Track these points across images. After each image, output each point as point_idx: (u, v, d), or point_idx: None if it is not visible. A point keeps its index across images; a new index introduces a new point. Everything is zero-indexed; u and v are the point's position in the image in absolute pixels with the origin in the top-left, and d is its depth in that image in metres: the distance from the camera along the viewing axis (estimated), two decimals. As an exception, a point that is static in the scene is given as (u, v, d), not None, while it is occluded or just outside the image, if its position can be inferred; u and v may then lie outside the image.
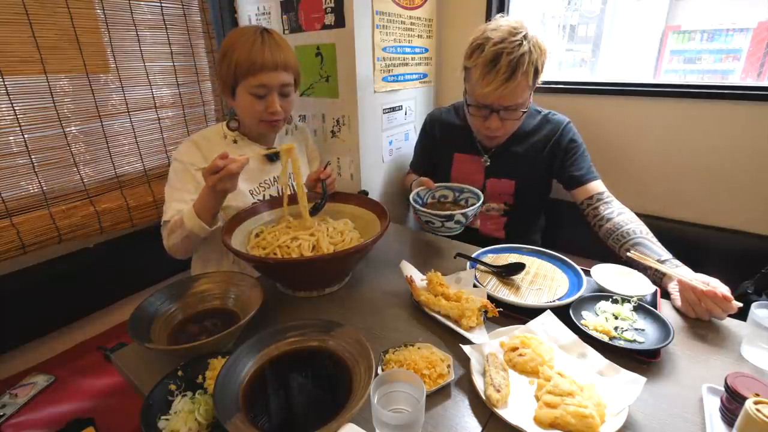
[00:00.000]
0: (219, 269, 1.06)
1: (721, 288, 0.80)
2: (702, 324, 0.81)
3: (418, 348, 0.71)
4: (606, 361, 0.67)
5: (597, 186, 1.17)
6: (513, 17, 1.09)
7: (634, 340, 0.73)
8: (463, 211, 1.01)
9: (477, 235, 1.36)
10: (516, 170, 1.26)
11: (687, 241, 1.38)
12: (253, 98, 1.01)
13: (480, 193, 1.12)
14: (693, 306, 0.82)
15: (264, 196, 1.13)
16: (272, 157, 1.15)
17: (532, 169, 1.25)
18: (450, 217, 1.01)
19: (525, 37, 1.04)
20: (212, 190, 0.89)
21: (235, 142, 1.11)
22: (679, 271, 0.87)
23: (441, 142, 1.38)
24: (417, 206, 1.08)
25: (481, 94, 1.09)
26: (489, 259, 1.02)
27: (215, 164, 0.86)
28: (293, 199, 1.11)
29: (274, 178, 1.16)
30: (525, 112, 1.14)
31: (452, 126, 1.36)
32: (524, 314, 0.81)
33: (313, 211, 1.04)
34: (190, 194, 1.02)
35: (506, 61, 1.02)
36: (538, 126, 1.26)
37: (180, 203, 1.01)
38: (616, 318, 0.79)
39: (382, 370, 0.67)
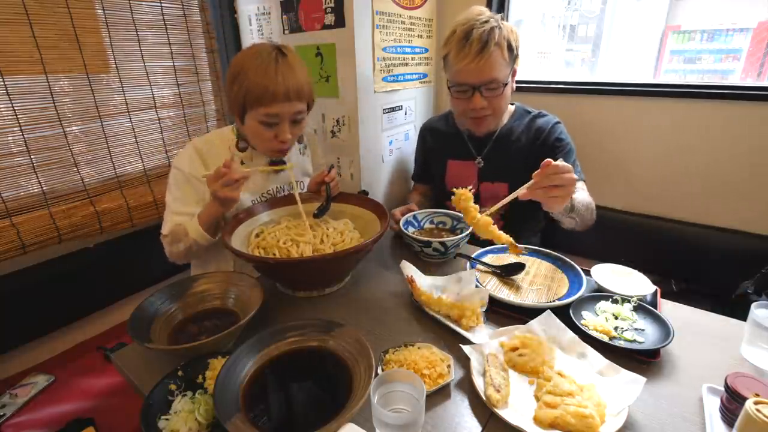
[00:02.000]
0: (219, 269, 1.05)
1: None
2: (702, 324, 0.81)
3: (418, 348, 0.71)
4: (606, 361, 0.67)
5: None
6: (477, 6, 1.14)
7: (634, 340, 0.73)
8: (442, 239, 1.00)
9: (474, 238, 1.35)
10: (508, 173, 1.23)
11: (687, 241, 1.38)
12: (262, 126, 0.96)
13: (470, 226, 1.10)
14: (541, 191, 0.81)
15: None
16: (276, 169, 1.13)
17: (524, 170, 1.19)
18: (428, 244, 1.01)
19: (490, 16, 1.10)
20: (215, 197, 0.89)
21: (242, 163, 1.07)
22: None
23: (434, 151, 1.38)
24: (402, 229, 1.07)
25: (458, 71, 1.11)
26: (489, 259, 1.02)
27: (219, 170, 0.86)
28: (294, 200, 1.11)
29: (276, 188, 1.15)
30: (506, 84, 1.13)
31: (443, 133, 1.35)
32: (524, 314, 0.81)
33: (318, 214, 1.03)
34: (189, 206, 1.00)
35: (477, 34, 1.06)
36: (527, 127, 1.24)
37: (179, 216, 1.00)
38: (616, 318, 0.79)
39: (382, 370, 0.67)
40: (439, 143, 1.36)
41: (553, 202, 0.85)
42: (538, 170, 0.82)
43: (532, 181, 0.84)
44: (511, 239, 0.88)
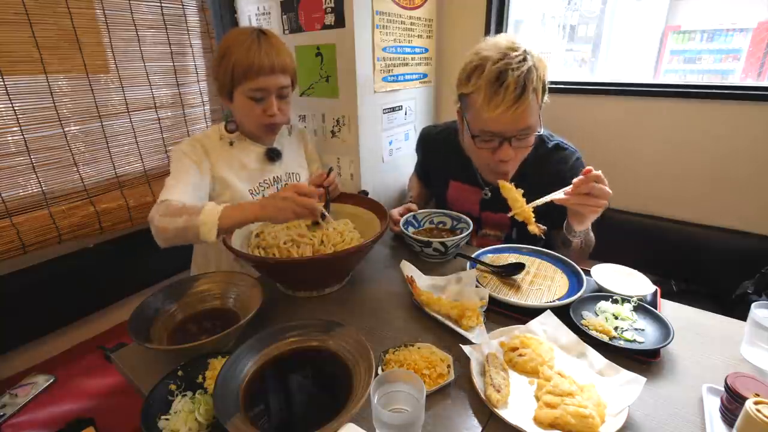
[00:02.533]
0: (219, 269, 1.06)
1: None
2: (702, 324, 0.81)
3: (418, 348, 0.71)
4: (606, 361, 0.67)
5: None
6: (504, 35, 1.00)
7: (634, 340, 0.73)
8: (442, 239, 1.00)
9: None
10: None
11: (687, 241, 1.38)
12: (251, 102, 1.02)
13: (470, 224, 1.07)
14: (579, 200, 0.84)
15: (263, 195, 1.13)
16: (272, 157, 1.15)
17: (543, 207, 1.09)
18: (428, 244, 1.01)
19: (526, 51, 0.93)
20: (277, 204, 0.84)
21: (231, 144, 1.10)
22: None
23: (435, 165, 1.32)
24: (402, 229, 1.07)
25: (491, 119, 0.94)
26: (489, 259, 1.02)
27: (311, 201, 0.85)
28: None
29: (273, 178, 1.16)
30: (539, 133, 1.00)
31: (446, 151, 1.24)
32: (524, 314, 0.81)
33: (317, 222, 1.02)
34: (191, 176, 0.99)
35: (513, 78, 0.89)
36: (544, 159, 1.10)
37: (186, 185, 0.97)
38: (616, 318, 0.79)
39: (382, 370, 0.67)
40: (442, 160, 1.27)
41: (586, 210, 0.86)
42: (579, 177, 0.83)
43: (569, 187, 0.85)
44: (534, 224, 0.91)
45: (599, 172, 0.82)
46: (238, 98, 1.03)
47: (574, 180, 0.84)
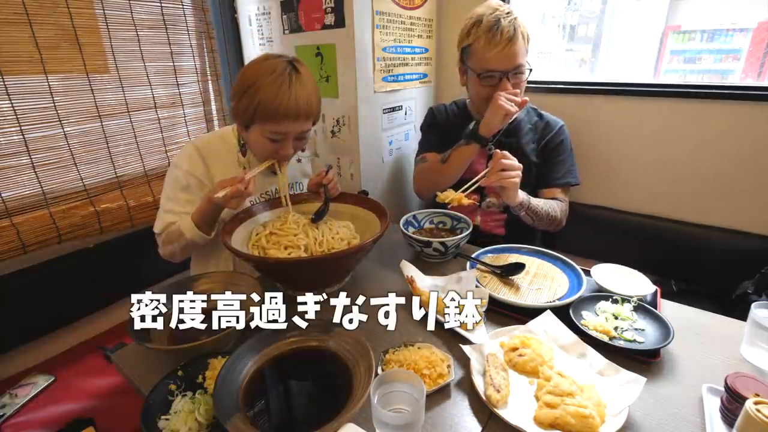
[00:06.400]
0: (219, 269, 1.05)
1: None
2: (702, 324, 0.81)
3: (418, 348, 0.71)
4: (606, 361, 0.67)
5: (555, 192, 1.23)
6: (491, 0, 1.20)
7: (634, 340, 0.73)
8: (442, 239, 1.00)
9: (477, 231, 1.35)
10: None
11: (687, 241, 1.38)
12: (266, 140, 0.96)
13: (470, 224, 1.10)
14: (497, 177, 1.00)
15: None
16: (275, 171, 1.14)
17: (526, 163, 1.19)
18: (428, 244, 1.01)
19: (510, 8, 1.16)
20: (218, 204, 0.90)
21: (244, 168, 1.07)
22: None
23: (446, 133, 1.38)
24: (403, 229, 1.08)
25: (491, 59, 1.14)
26: (489, 259, 1.02)
27: (237, 189, 0.87)
28: (293, 201, 1.11)
29: (275, 189, 1.15)
30: (531, 70, 1.19)
31: (455, 117, 1.38)
32: (524, 314, 0.81)
33: (316, 218, 1.02)
34: (181, 207, 1.01)
35: (506, 23, 1.12)
36: (534, 123, 1.30)
37: (170, 215, 1.01)
38: (616, 318, 0.79)
39: (382, 370, 0.67)
40: (452, 127, 1.37)
41: (506, 183, 1.02)
42: (492, 159, 1.02)
43: (488, 169, 1.03)
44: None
45: (505, 152, 1.03)
46: (255, 132, 0.96)
47: (490, 163, 1.04)
